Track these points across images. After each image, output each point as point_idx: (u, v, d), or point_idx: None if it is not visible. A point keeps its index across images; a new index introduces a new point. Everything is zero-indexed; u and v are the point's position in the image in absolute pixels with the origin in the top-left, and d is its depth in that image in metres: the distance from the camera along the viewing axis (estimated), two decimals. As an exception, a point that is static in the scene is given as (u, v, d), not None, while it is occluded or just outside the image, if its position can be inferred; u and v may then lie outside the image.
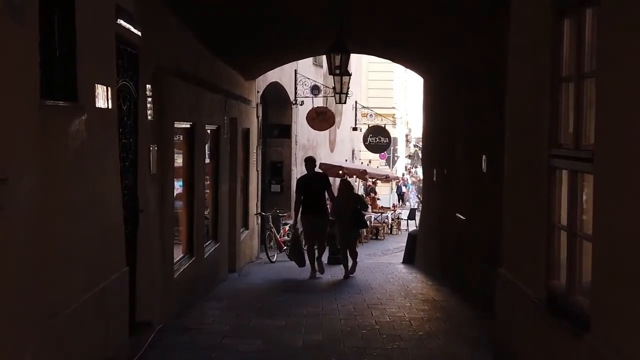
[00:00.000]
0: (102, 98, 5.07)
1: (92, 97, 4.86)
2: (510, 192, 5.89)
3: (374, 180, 28.43)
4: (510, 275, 5.78)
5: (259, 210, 15.52)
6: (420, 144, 43.90)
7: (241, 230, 13.41)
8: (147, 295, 6.62)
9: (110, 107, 5.27)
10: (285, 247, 15.81)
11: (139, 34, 6.38)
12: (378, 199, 28.90)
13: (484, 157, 8.96)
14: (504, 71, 6.69)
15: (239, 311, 8.60)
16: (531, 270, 5.19)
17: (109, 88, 5.25)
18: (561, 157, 4.59)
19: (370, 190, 27.98)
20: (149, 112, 6.85)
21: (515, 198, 5.77)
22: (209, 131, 10.35)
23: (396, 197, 35.32)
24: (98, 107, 4.97)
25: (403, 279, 12.00)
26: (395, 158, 36.14)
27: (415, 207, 27.69)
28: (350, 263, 11.84)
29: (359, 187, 26.85)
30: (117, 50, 5.68)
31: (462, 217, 10.30)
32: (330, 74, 10.79)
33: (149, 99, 6.87)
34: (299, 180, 12.15)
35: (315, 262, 11.81)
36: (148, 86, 6.82)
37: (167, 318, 7.22)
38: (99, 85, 5.00)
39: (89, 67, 4.74)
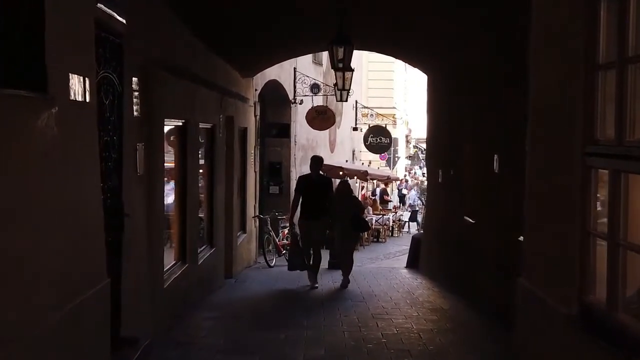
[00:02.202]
0: (78, 90, 4.50)
1: (65, 88, 4.29)
2: (534, 194, 5.32)
3: (385, 181, 27.96)
4: (533, 286, 5.24)
5: (257, 213, 14.97)
6: (420, 144, 43.48)
7: (238, 233, 12.88)
8: (134, 308, 6.06)
9: (88, 100, 4.69)
10: (284, 251, 15.29)
11: (124, 21, 5.82)
12: (390, 200, 28.43)
13: (495, 156, 8.44)
14: (514, 65, 6.18)
15: (235, 322, 8.07)
16: (559, 282, 4.64)
17: (87, 79, 4.67)
18: (599, 155, 4.03)
19: (382, 192, 27.51)
20: (135, 107, 6.27)
21: (539, 201, 5.20)
22: (203, 130, 9.80)
23: (397, 199, 34.75)
24: (72, 100, 4.39)
25: (408, 285, 11.45)
26: (396, 159, 35.56)
27: (417, 208, 27.13)
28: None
29: (358, 190, 26.25)
30: (97, 37, 5.11)
31: (470, 220, 9.79)
32: (332, 69, 10.22)
33: (136, 94, 6.30)
34: (301, 179, 11.22)
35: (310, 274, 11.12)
36: (134, 79, 6.25)
37: (156, 332, 6.64)
38: (73, 75, 4.42)
39: (61, 55, 4.16)
